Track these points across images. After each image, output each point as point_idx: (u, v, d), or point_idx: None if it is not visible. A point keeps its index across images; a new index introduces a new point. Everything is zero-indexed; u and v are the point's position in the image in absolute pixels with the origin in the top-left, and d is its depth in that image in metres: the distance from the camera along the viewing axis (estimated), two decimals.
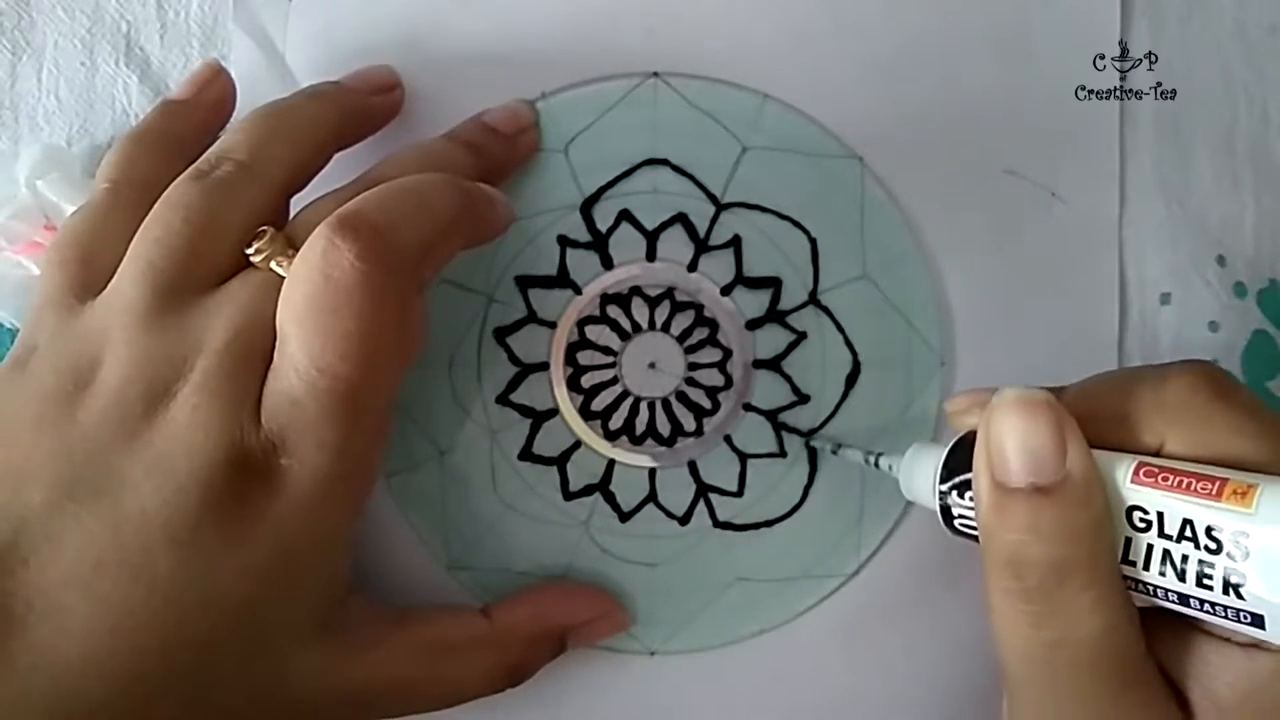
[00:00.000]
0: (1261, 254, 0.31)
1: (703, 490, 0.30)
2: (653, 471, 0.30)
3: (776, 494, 0.30)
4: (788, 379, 0.30)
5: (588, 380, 0.30)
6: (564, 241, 0.30)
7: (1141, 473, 0.20)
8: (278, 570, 0.22)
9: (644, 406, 0.30)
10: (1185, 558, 0.19)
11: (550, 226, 0.30)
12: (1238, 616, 0.19)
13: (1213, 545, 0.19)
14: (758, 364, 0.30)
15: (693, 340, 0.30)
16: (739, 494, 0.30)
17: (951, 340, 0.30)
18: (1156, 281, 0.31)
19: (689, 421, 0.30)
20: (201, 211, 0.24)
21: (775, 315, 0.30)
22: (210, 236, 0.24)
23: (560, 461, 0.30)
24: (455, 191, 0.24)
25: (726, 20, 0.30)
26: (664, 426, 0.30)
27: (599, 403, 0.30)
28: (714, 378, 0.30)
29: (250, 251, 0.24)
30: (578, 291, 0.30)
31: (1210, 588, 0.19)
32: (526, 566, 0.29)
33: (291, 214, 0.26)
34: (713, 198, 0.30)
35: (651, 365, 0.30)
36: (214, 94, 0.28)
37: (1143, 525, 0.20)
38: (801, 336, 0.30)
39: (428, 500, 0.29)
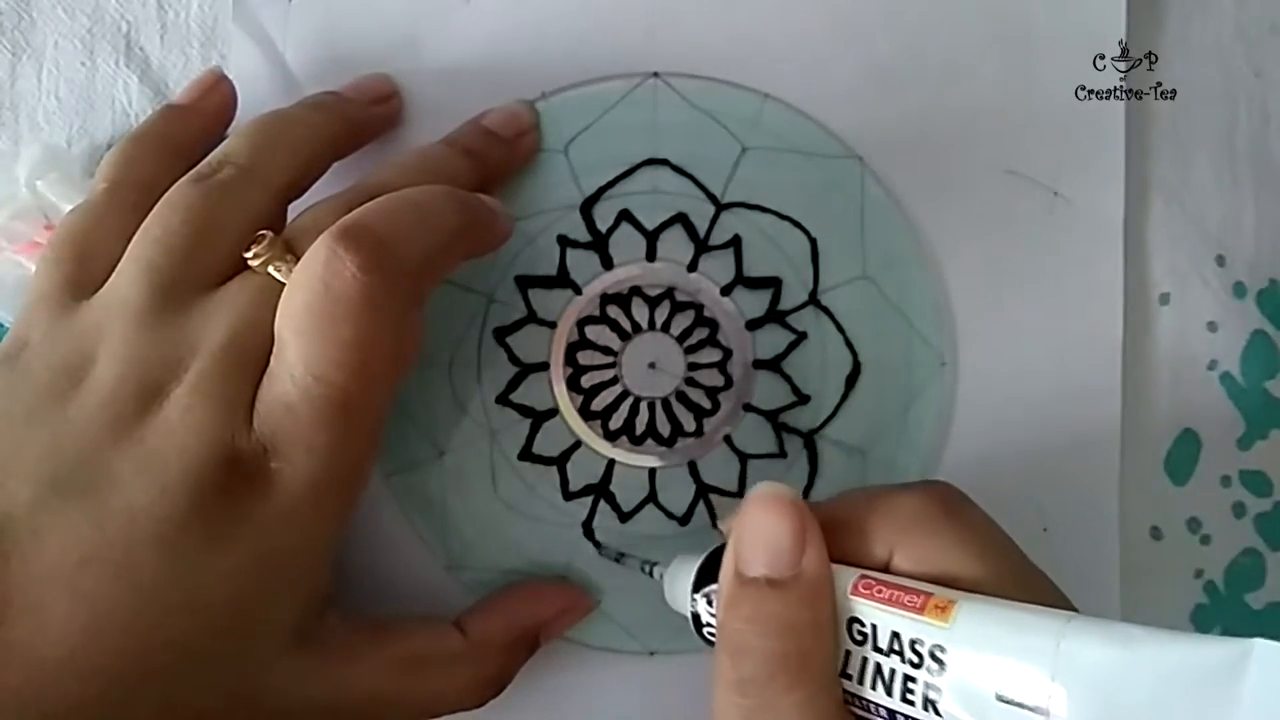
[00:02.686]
0: (1261, 254, 0.32)
1: (703, 490, 0.30)
2: (653, 471, 0.30)
3: None
4: (788, 379, 0.30)
5: (588, 380, 0.30)
6: (564, 241, 0.30)
7: (860, 585, 0.21)
8: (261, 575, 0.22)
9: (644, 406, 0.30)
10: (893, 672, 0.20)
11: (550, 226, 0.30)
12: None
13: (915, 659, 0.19)
14: (758, 364, 0.30)
15: (693, 340, 0.30)
16: (739, 494, 0.30)
17: (952, 340, 0.30)
18: (1156, 281, 0.31)
19: (689, 421, 0.30)
20: (201, 213, 0.24)
21: (775, 315, 0.30)
22: (209, 238, 0.24)
23: (560, 461, 0.30)
24: (457, 205, 0.25)
25: (726, 20, 0.30)
26: (664, 426, 0.30)
27: (599, 403, 0.30)
28: (714, 378, 0.30)
29: (248, 255, 0.24)
30: (578, 291, 0.30)
31: (912, 703, 0.19)
32: (526, 566, 0.30)
33: (289, 219, 0.26)
34: (713, 198, 0.30)
35: (651, 365, 0.30)
36: (215, 100, 0.28)
37: (860, 638, 0.20)
38: (801, 337, 0.30)
39: (428, 500, 0.29)
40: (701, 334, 0.30)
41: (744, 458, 0.30)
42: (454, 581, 0.29)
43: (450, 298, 0.30)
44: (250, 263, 0.24)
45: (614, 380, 0.30)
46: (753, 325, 0.30)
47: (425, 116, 0.30)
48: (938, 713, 0.19)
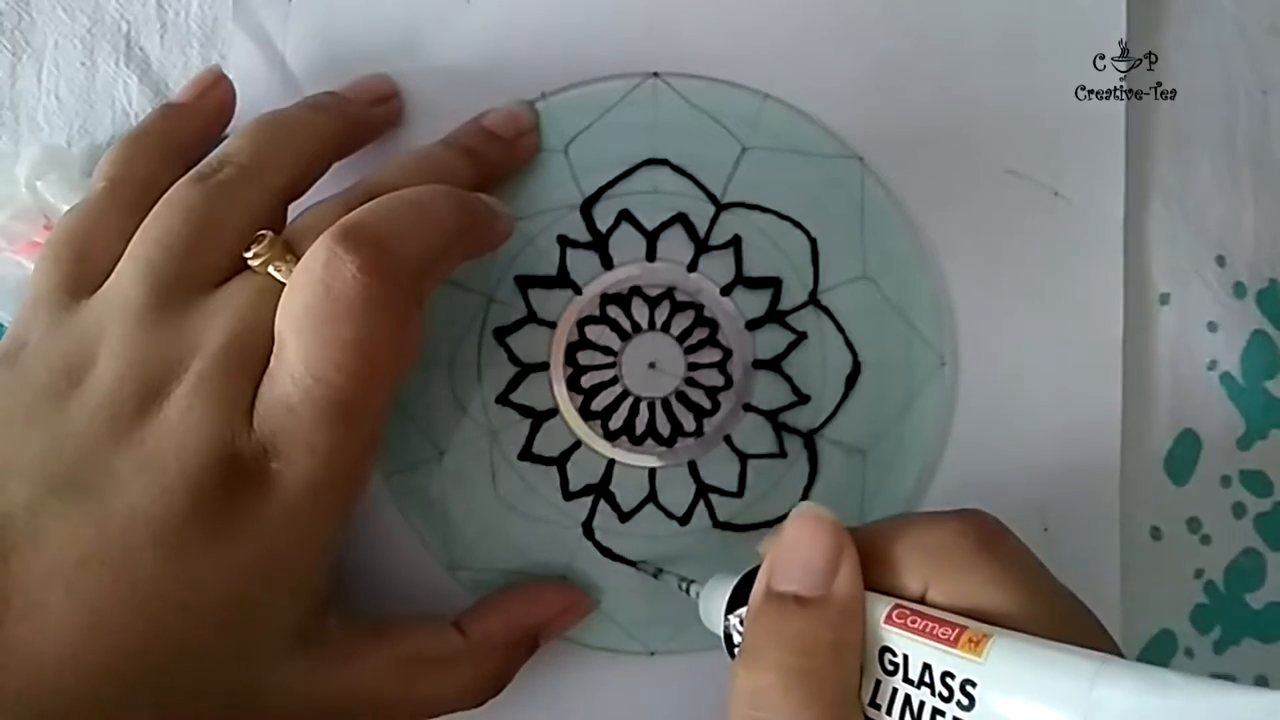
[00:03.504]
0: (1261, 254, 0.32)
1: (703, 490, 0.30)
2: (653, 471, 0.30)
3: (776, 494, 0.30)
4: (788, 379, 0.30)
5: (588, 380, 0.30)
6: (564, 241, 0.30)
7: (894, 615, 0.21)
8: (261, 574, 0.22)
9: (644, 406, 0.30)
10: (922, 704, 0.19)
11: (550, 226, 0.30)
12: None
13: (945, 692, 0.19)
14: (758, 364, 0.30)
15: (693, 340, 0.30)
16: (739, 494, 0.30)
17: (952, 340, 0.30)
18: (1155, 282, 0.31)
19: (689, 421, 0.30)
20: (202, 213, 0.24)
21: (775, 315, 0.30)
22: (209, 238, 0.24)
23: (560, 461, 0.30)
24: (458, 205, 0.25)
25: (726, 20, 0.30)
26: (664, 426, 0.30)
27: (599, 403, 0.30)
28: (714, 378, 0.30)
29: (249, 255, 0.24)
30: (578, 291, 0.30)
31: None
32: (527, 566, 0.30)
33: (289, 220, 0.26)
34: (713, 198, 0.30)
35: (651, 365, 0.30)
36: (214, 99, 0.28)
37: (891, 668, 0.20)
38: (801, 337, 0.30)
39: (428, 500, 0.29)
40: (701, 334, 0.30)
41: (744, 458, 0.30)
42: (454, 581, 0.29)
43: (450, 298, 0.30)
44: (251, 263, 0.24)
45: (614, 380, 0.30)
46: (753, 325, 0.30)
47: (425, 116, 0.30)
48: None
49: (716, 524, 0.30)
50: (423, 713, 0.26)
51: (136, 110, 0.30)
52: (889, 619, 0.21)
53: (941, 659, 0.19)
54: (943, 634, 0.20)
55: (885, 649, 0.20)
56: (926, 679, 0.19)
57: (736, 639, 0.23)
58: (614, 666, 0.30)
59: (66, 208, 0.28)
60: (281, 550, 0.23)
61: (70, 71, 0.30)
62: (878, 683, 0.20)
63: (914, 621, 0.20)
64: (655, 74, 0.30)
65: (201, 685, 0.22)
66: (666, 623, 0.30)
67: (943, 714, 0.19)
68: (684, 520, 0.30)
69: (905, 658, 0.20)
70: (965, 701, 0.19)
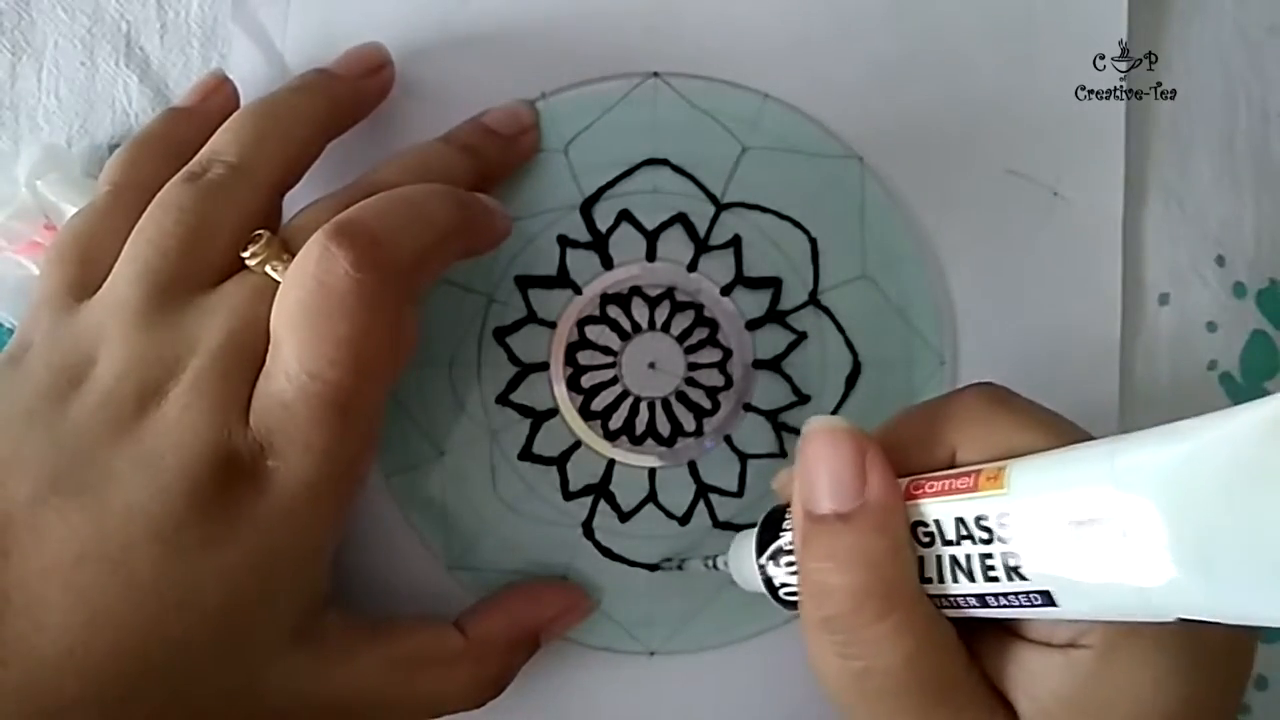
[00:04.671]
0: (1261, 254, 0.32)
1: (703, 490, 0.30)
2: (653, 471, 0.30)
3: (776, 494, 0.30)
4: (788, 379, 0.30)
5: (588, 380, 0.30)
6: (564, 241, 0.30)
7: (911, 489, 0.21)
8: (259, 572, 0.23)
9: (644, 406, 0.30)
10: (968, 557, 0.19)
11: (550, 226, 0.30)
12: (1030, 600, 0.19)
13: (985, 535, 0.19)
14: (758, 364, 0.30)
15: (693, 340, 0.30)
16: (739, 494, 0.30)
17: (952, 340, 0.30)
18: (1155, 282, 0.31)
19: (689, 421, 0.30)
20: (194, 213, 0.24)
21: (775, 315, 0.30)
22: (203, 238, 0.24)
23: (560, 461, 0.30)
24: (453, 202, 0.25)
25: (726, 20, 0.30)
26: (664, 426, 0.30)
27: (599, 403, 0.30)
28: (714, 378, 0.30)
29: (245, 255, 0.24)
30: (578, 291, 0.30)
31: (996, 579, 0.19)
32: (527, 566, 0.30)
33: (285, 210, 0.26)
34: (713, 198, 0.30)
35: (651, 365, 0.30)
36: (217, 102, 0.28)
37: (927, 539, 0.20)
38: (801, 336, 0.30)
39: (428, 500, 0.29)
40: (701, 334, 0.30)
41: (744, 458, 0.30)
42: (454, 581, 0.29)
43: (450, 298, 0.30)
44: (248, 262, 0.24)
45: (614, 380, 0.30)
46: (753, 325, 0.30)
47: (425, 116, 0.30)
48: (1024, 577, 0.18)
49: (716, 524, 0.30)
50: (423, 713, 0.26)
51: (136, 110, 0.30)
52: (908, 493, 0.20)
53: (969, 507, 0.19)
54: (962, 484, 0.20)
55: (915, 524, 0.20)
56: (963, 532, 0.19)
57: (778, 579, 0.23)
58: (614, 666, 0.30)
59: (66, 207, 0.28)
60: (279, 548, 0.23)
61: (70, 71, 0.30)
62: (920, 559, 0.20)
63: (931, 486, 0.20)
64: (655, 74, 0.30)
65: (200, 682, 0.22)
66: (666, 623, 0.30)
67: (990, 555, 0.19)
68: (684, 520, 0.30)
69: (936, 522, 0.20)
70: (1006, 533, 0.19)
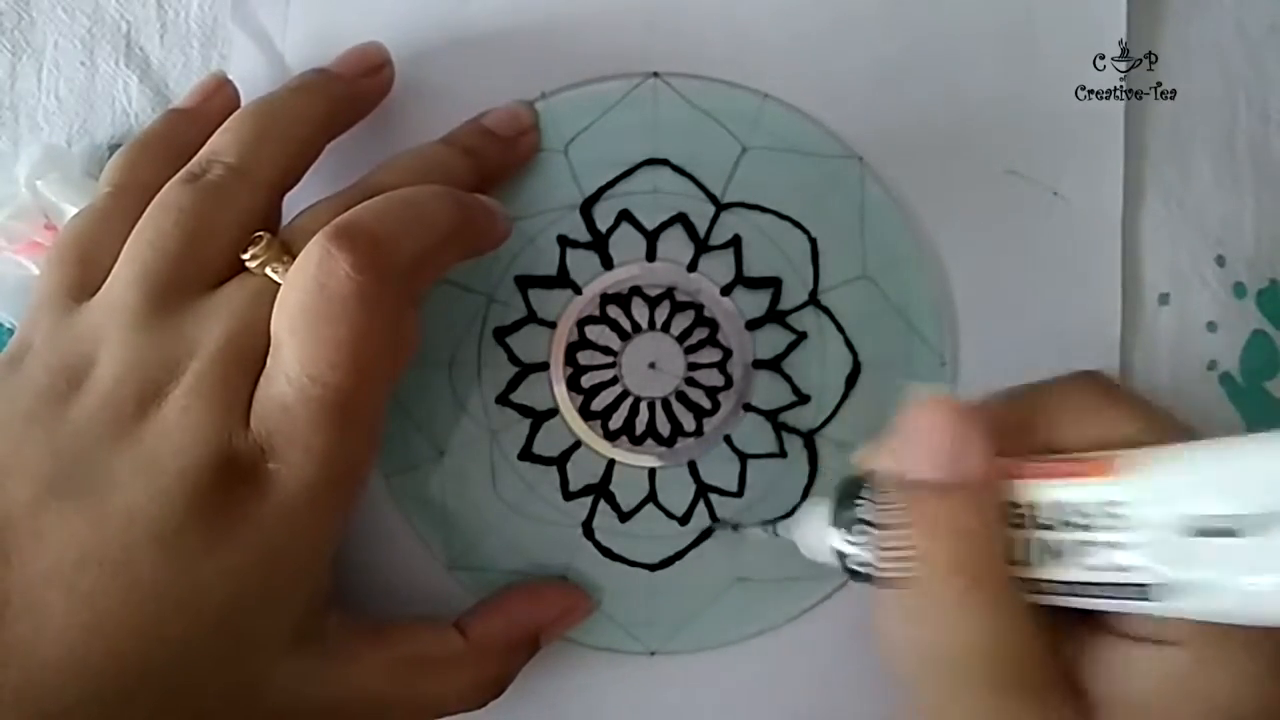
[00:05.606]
0: (1261, 254, 0.31)
1: (703, 490, 0.30)
2: (653, 471, 0.30)
3: (776, 494, 0.30)
4: (788, 379, 0.30)
5: (588, 380, 0.30)
6: (564, 241, 0.30)
7: (1009, 468, 0.20)
8: (259, 575, 0.22)
9: (644, 406, 0.30)
10: (1061, 542, 0.19)
11: (550, 226, 0.30)
12: (1123, 593, 0.18)
13: (1084, 523, 0.19)
14: (758, 364, 0.30)
15: (693, 340, 0.30)
16: (739, 494, 0.30)
17: (952, 340, 0.30)
18: (1155, 282, 0.31)
19: (689, 421, 0.30)
20: (193, 214, 0.24)
21: (775, 315, 0.30)
22: (202, 239, 0.24)
23: (560, 461, 0.30)
24: (453, 204, 0.25)
25: (726, 20, 0.30)
26: (664, 426, 0.30)
27: (599, 403, 0.30)
28: (714, 378, 0.30)
29: (246, 257, 0.24)
30: (578, 291, 0.30)
31: (1091, 568, 0.19)
32: (526, 566, 0.30)
33: (285, 211, 0.26)
34: (713, 198, 0.30)
35: (651, 365, 0.30)
36: (219, 103, 0.28)
37: (1018, 521, 0.20)
38: (801, 336, 0.30)
39: (428, 500, 0.29)
40: (701, 334, 0.30)
41: (744, 457, 0.30)
42: (454, 581, 0.29)
43: (450, 298, 0.30)
44: (248, 264, 0.24)
45: (614, 380, 0.30)
46: (753, 325, 0.30)
47: (425, 116, 0.30)
48: (1123, 569, 0.18)
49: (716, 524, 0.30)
50: (423, 714, 0.26)
51: (136, 110, 0.30)
52: (1005, 474, 0.20)
53: (1071, 493, 0.19)
54: (1064, 469, 0.19)
55: (1010, 504, 0.20)
56: (1060, 517, 0.19)
57: (849, 552, 0.22)
58: (614, 666, 0.30)
59: (67, 207, 0.28)
60: (279, 550, 0.23)
61: (70, 71, 0.30)
62: (1009, 541, 0.20)
63: (1030, 468, 0.20)
64: (655, 74, 0.30)
65: (201, 684, 0.22)
66: (666, 623, 0.30)
67: (1087, 544, 0.19)
68: (684, 520, 0.30)
69: (1031, 505, 0.20)
70: (1108, 526, 0.18)
